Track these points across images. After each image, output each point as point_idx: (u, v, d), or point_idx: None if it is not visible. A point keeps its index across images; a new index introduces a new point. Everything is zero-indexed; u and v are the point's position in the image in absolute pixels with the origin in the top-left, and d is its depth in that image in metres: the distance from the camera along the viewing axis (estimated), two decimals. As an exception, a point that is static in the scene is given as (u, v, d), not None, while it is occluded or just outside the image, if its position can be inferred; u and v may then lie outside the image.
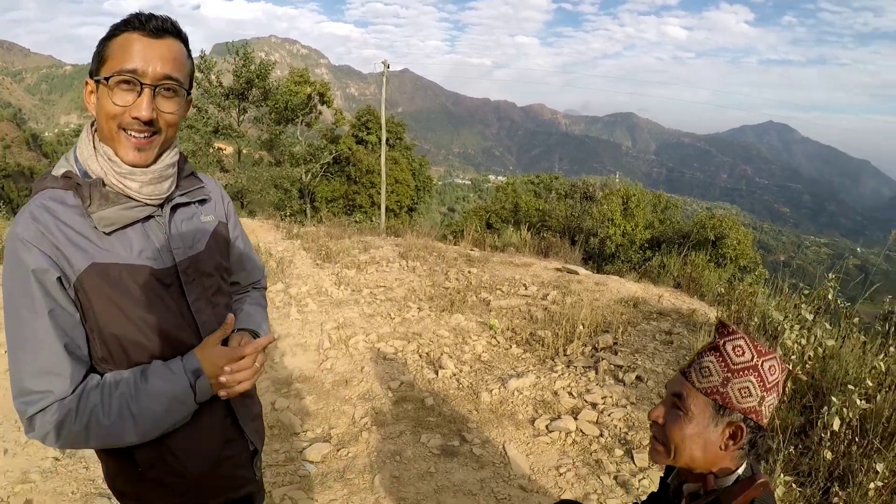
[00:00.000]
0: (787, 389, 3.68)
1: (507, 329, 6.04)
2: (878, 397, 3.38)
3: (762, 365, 1.43)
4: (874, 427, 3.28)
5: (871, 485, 3.00)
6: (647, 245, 19.43)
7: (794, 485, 3.23)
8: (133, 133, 1.34)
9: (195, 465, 1.50)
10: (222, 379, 1.39)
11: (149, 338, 1.40)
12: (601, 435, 3.99)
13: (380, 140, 30.92)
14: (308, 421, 4.22)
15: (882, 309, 4.48)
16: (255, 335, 1.64)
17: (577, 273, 8.64)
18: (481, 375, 4.98)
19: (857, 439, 3.29)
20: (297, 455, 3.77)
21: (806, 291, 4.53)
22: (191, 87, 1.44)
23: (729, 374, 1.43)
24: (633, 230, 19.94)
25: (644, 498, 1.94)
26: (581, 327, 5.62)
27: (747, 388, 1.42)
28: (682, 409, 1.47)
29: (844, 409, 3.23)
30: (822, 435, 3.30)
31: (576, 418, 4.20)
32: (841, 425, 3.25)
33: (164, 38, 1.34)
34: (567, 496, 3.40)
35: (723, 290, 6.95)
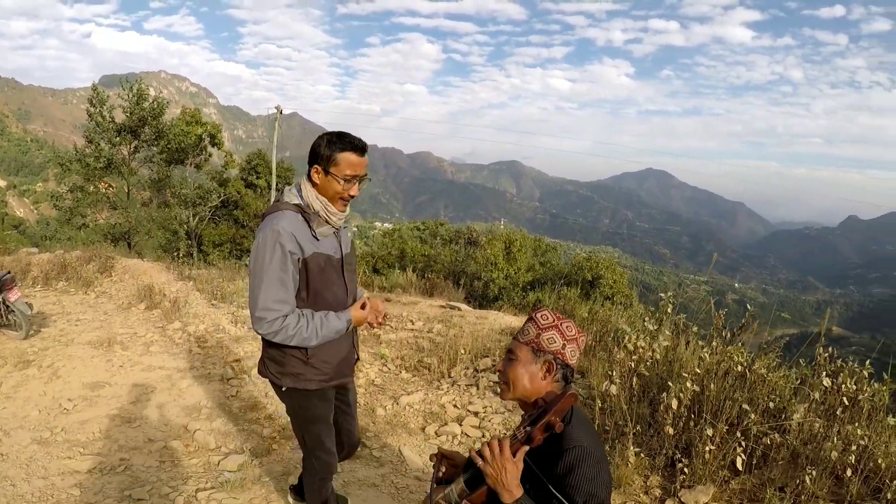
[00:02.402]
0: (634, 385, 4.42)
1: (397, 357, 6.56)
2: (712, 385, 4.16)
3: (561, 325, 2.22)
4: (707, 406, 4.07)
5: (707, 448, 3.74)
6: (528, 287, 20.38)
7: (643, 455, 3.96)
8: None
9: (334, 357, 2.81)
10: (368, 324, 2.88)
11: (328, 294, 2.73)
12: (483, 436, 4.59)
13: (269, 185, 30.67)
14: (221, 439, 4.56)
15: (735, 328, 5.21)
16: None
17: (459, 309, 9.28)
18: (375, 396, 5.50)
19: (693, 416, 4.07)
20: (215, 466, 4.13)
21: (652, 309, 5.35)
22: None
23: (539, 331, 2.21)
24: (515, 273, 20.90)
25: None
26: (463, 352, 6.23)
27: (552, 337, 2.20)
28: (514, 357, 2.24)
29: (681, 394, 4.00)
30: (665, 416, 4.06)
31: (460, 424, 4.81)
32: (679, 405, 4.02)
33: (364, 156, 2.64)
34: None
35: (586, 314, 7.79)
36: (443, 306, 9.62)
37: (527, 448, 2.02)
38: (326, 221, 2.64)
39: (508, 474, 2.00)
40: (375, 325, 2.90)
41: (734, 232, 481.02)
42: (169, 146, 25.42)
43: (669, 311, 5.08)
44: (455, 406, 5.24)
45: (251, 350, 6.71)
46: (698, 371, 4.23)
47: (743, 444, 3.74)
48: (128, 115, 24.02)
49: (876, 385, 4.00)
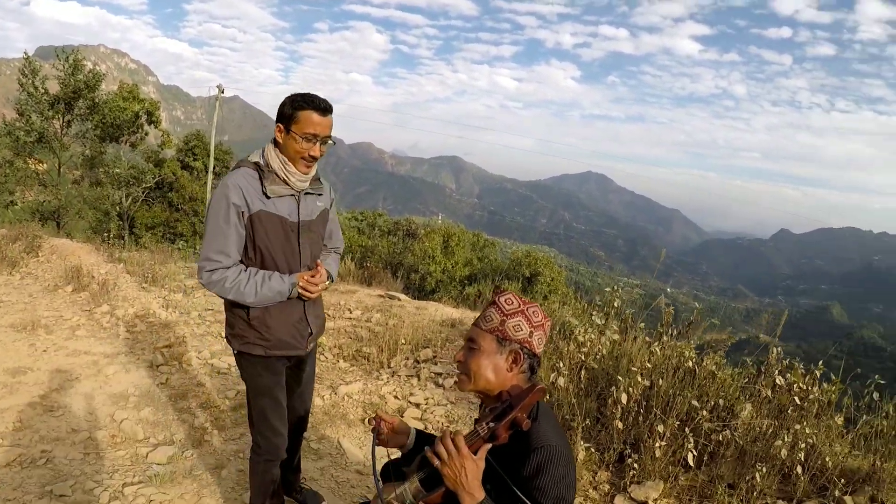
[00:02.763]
0: (582, 378, 4.38)
1: (335, 346, 6.41)
2: (661, 381, 4.13)
3: (527, 310, 2.05)
4: (657, 401, 4.04)
5: (657, 444, 3.72)
6: (466, 281, 20.34)
7: (592, 449, 3.92)
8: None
9: (279, 324, 2.72)
10: (300, 291, 2.67)
11: (276, 256, 2.66)
12: (426, 428, 4.48)
13: (206, 168, 29.78)
14: (149, 429, 4.33)
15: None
16: (329, 274, 2.86)
17: (398, 299, 9.17)
18: (313, 386, 5.31)
19: (642, 412, 4.02)
20: (143, 459, 3.90)
21: (599, 303, 5.35)
22: None
23: (504, 317, 2.03)
24: (452, 267, 20.87)
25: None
26: (403, 342, 6.12)
27: (519, 324, 2.03)
28: (476, 346, 2.06)
29: (630, 388, 3.96)
30: (613, 410, 4.01)
31: (402, 416, 4.68)
32: (628, 400, 3.97)
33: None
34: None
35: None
36: (381, 296, 9.48)
37: (489, 446, 1.88)
38: (285, 182, 2.61)
39: (469, 474, 1.84)
40: (305, 293, 2.70)
41: (669, 238, 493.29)
42: (104, 121, 24.52)
43: (616, 304, 5.08)
44: (395, 397, 5.12)
45: (182, 335, 6.46)
46: (648, 365, 4.22)
47: (692, 440, 3.73)
48: (62, 86, 23.02)
49: (825, 385, 4.04)
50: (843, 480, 3.59)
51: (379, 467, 2.28)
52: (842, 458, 3.75)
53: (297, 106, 2.50)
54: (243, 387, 5.06)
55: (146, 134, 27.79)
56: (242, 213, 2.55)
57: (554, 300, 8.37)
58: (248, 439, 4.18)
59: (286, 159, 2.59)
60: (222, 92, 29.79)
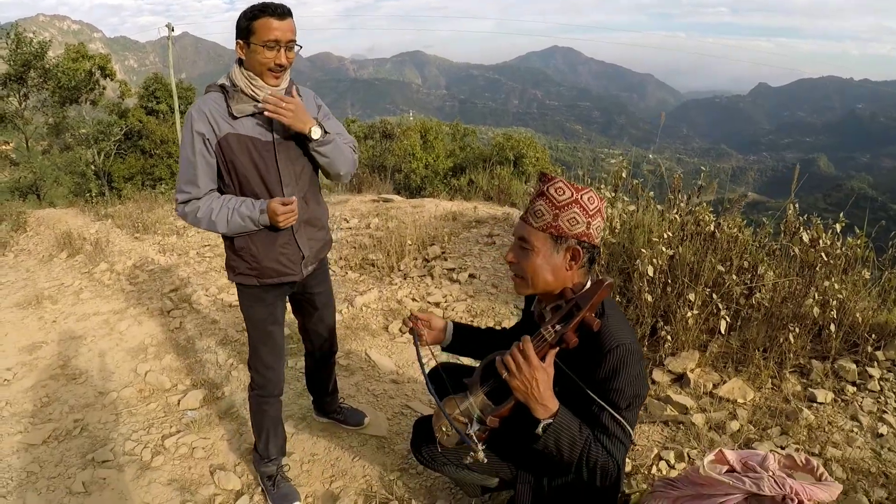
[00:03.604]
0: (602, 255, 4.21)
1: (339, 259, 6.24)
2: (681, 248, 3.94)
3: (582, 198, 1.79)
4: (682, 269, 3.87)
5: (689, 314, 3.59)
6: (451, 174, 19.97)
7: None
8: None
9: (263, 251, 2.51)
10: (277, 219, 2.36)
11: (253, 181, 2.42)
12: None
13: (171, 108, 29.02)
14: (175, 376, 4.21)
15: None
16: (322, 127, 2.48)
17: (392, 200, 8.95)
18: (326, 302, 5.17)
19: (669, 282, 3.84)
20: (175, 407, 3.79)
21: (604, 176, 5.13)
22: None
23: (557, 211, 1.78)
24: (435, 161, 20.47)
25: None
26: (410, 243, 5.94)
27: (574, 217, 1.78)
28: (529, 247, 1.81)
29: (655, 259, 3.78)
30: (640, 284, 3.83)
31: (425, 316, 4.55)
32: (655, 271, 3.79)
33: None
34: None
35: (532, 190, 7.56)
36: (374, 200, 9.25)
37: (556, 350, 1.71)
38: (253, 99, 2.36)
39: (541, 384, 1.67)
40: (279, 223, 2.38)
41: (645, 104, 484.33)
42: (59, 86, 23.98)
43: (624, 175, 4.84)
44: (413, 299, 4.98)
45: (186, 276, 6.30)
46: (668, 234, 3.99)
47: (722, 306, 3.57)
48: (10, 63, 22.39)
49: (850, 240, 3.84)
50: (872, 336, 3.50)
51: (427, 369, 2.16)
52: (871, 314, 3.63)
53: (252, 16, 2.27)
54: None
55: (104, 89, 27.10)
56: (208, 139, 2.34)
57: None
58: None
59: (252, 75, 2.35)
60: (172, 30, 28.70)
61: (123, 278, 6.60)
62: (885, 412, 3.08)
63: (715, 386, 3.42)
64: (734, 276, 3.70)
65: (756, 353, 3.48)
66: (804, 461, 1.85)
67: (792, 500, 1.63)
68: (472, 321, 4.46)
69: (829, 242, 3.73)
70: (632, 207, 4.61)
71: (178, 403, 3.82)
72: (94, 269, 7.00)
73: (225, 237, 2.54)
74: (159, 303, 5.64)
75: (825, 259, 3.72)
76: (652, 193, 4.83)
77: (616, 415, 1.73)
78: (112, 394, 4.01)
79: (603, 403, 1.73)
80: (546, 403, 1.69)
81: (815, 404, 3.19)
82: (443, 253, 5.77)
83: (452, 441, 1.92)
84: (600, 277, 1.76)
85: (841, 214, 3.78)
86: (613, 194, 4.82)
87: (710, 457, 1.88)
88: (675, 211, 4.35)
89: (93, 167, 25.98)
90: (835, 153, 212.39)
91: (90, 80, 25.60)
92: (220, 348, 4.59)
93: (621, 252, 4.39)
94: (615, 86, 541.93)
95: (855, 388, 3.29)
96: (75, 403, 3.93)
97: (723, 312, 3.51)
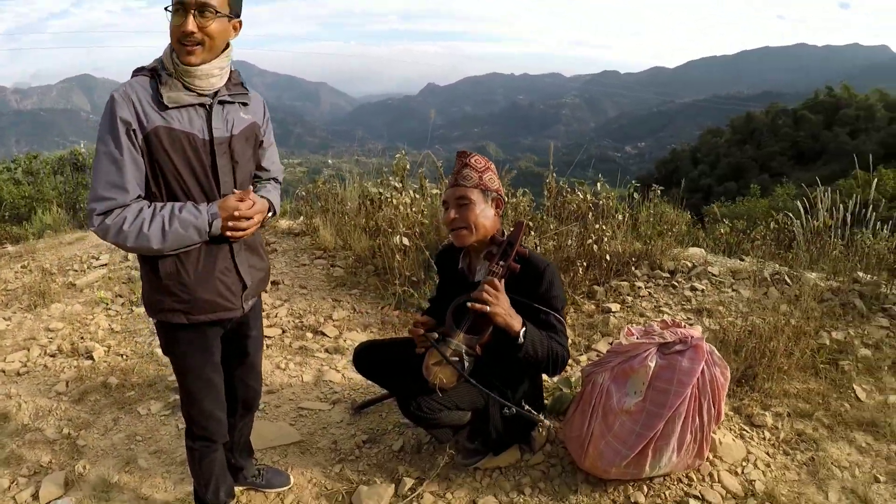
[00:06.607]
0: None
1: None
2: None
3: (490, 166, 2.41)
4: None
5: None
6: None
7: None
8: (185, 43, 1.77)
9: (197, 279, 1.93)
10: (230, 223, 1.89)
11: (187, 187, 1.88)
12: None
13: None
14: (2, 470, 3.16)
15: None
16: (270, 204, 2.12)
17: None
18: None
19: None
20: None
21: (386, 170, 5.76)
22: (232, 12, 1.84)
23: (479, 174, 2.35)
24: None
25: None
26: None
27: (491, 177, 2.37)
28: (467, 201, 2.31)
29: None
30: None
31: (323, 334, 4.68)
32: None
33: None
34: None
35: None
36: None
37: (503, 280, 2.18)
38: (187, 87, 1.84)
39: (509, 307, 2.14)
40: (234, 230, 1.93)
41: (320, 111, 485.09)
42: None
43: (407, 167, 5.72)
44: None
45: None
46: None
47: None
48: None
49: (606, 190, 5.11)
50: (633, 259, 4.67)
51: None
52: (628, 245, 4.76)
53: None
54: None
55: None
56: (134, 131, 1.77)
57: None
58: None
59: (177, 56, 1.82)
60: None
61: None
62: (659, 306, 4.12)
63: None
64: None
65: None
66: (671, 321, 2.58)
67: (685, 340, 2.33)
68: (299, 322, 4.52)
69: (593, 197, 4.88)
70: (434, 190, 5.43)
71: (35, 498, 2.68)
72: None
73: (144, 264, 1.95)
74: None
75: (593, 209, 4.82)
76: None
77: (559, 315, 2.29)
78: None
79: (548, 310, 2.27)
80: (516, 319, 2.14)
81: (610, 314, 4.11)
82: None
83: (452, 380, 2.21)
84: (518, 220, 2.33)
85: (599, 174, 4.92)
86: (401, 185, 5.43)
87: (623, 333, 2.53)
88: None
89: None
90: (502, 139, 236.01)
91: None
92: (38, 421, 3.34)
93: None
94: (289, 95, 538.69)
95: (632, 298, 4.29)
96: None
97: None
